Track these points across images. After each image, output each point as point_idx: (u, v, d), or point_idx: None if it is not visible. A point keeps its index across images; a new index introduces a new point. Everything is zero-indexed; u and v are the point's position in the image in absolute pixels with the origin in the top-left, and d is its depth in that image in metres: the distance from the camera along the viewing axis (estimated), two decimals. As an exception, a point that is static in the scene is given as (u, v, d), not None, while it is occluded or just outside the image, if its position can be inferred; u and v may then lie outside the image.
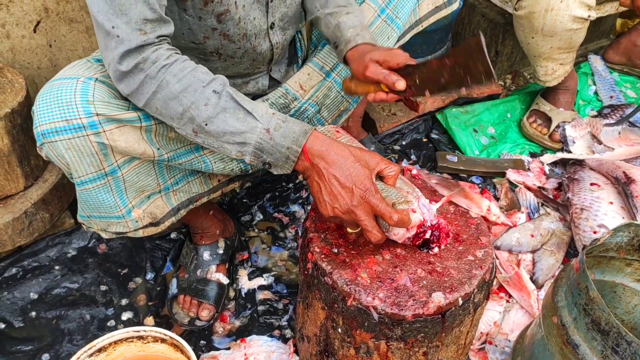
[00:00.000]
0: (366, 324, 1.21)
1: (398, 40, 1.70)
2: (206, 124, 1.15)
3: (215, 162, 1.44)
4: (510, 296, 1.75)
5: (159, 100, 1.15)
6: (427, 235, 1.24)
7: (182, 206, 1.50)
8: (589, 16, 1.96)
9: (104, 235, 1.42)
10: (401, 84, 1.27)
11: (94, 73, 1.23)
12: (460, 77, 1.22)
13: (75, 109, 1.15)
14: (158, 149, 1.30)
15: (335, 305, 1.24)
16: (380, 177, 1.23)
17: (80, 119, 1.16)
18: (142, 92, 1.15)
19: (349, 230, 1.24)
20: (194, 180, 1.50)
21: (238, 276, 1.83)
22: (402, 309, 1.18)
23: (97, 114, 1.17)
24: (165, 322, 1.72)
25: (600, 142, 2.29)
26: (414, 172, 1.53)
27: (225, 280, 1.74)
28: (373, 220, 1.16)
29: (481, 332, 1.64)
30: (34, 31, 1.84)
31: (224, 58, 1.44)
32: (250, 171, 1.56)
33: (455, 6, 1.79)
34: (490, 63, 1.17)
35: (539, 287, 1.77)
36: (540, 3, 1.94)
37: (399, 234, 1.21)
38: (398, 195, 1.19)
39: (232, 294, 1.78)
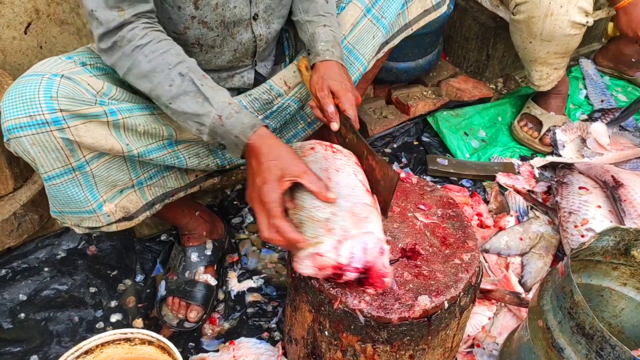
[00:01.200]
0: (352, 327, 1.22)
1: (387, 44, 1.71)
2: (170, 103, 1.24)
3: (189, 158, 1.45)
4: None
5: (133, 76, 1.26)
6: (348, 277, 1.17)
7: (157, 201, 1.50)
8: (587, 22, 1.97)
9: (78, 231, 1.42)
10: (334, 126, 1.40)
11: (61, 70, 1.24)
12: (370, 180, 1.31)
13: (38, 105, 1.17)
14: (127, 144, 1.31)
15: (322, 308, 1.25)
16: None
17: (43, 114, 1.17)
18: (119, 67, 1.26)
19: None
20: (169, 175, 1.50)
21: (228, 278, 1.83)
22: (388, 312, 1.19)
23: (61, 110, 1.18)
24: (155, 324, 1.72)
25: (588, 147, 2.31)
26: (402, 175, 1.53)
27: (213, 282, 1.74)
28: (264, 217, 1.19)
29: (469, 335, 1.65)
30: (25, 33, 1.84)
31: (205, 49, 1.46)
32: (228, 167, 1.56)
33: (443, 9, 1.79)
34: (390, 203, 1.27)
35: (528, 290, 1.77)
36: (540, 8, 1.95)
37: (305, 271, 1.17)
38: (315, 232, 1.15)
39: (221, 296, 1.78)
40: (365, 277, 1.18)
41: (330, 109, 1.39)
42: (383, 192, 1.28)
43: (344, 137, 1.38)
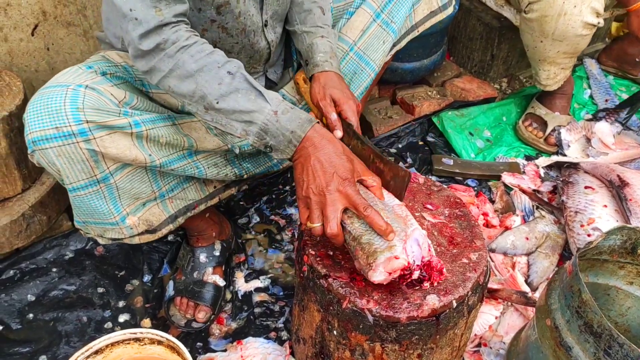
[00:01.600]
0: (361, 327, 1.22)
1: (394, 46, 1.71)
2: (218, 102, 1.20)
3: (208, 168, 1.45)
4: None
5: (174, 79, 1.21)
6: (415, 276, 1.18)
7: (180, 214, 1.51)
8: (598, 22, 1.98)
9: (101, 241, 1.43)
10: (338, 134, 1.37)
11: (84, 80, 1.24)
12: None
13: (64, 117, 1.17)
14: (150, 155, 1.31)
15: (331, 308, 1.25)
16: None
17: (70, 126, 1.17)
18: (158, 70, 1.21)
19: (309, 224, 1.21)
20: (190, 186, 1.51)
21: (235, 278, 1.83)
22: (396, 312, 1.19)
23: (87, 121, 1.18)
24: (162, 324, 1.72)
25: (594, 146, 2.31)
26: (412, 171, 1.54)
27: (221, 282, 1.75)
28: (339, 213, 1.17)
29: (475, 335, 1.65)
30: (32, 34, 1.85)
31: None
32: (245, 176, 1.57)
33: (450, 10, 1.80)
34: (403, 196, 1.30)
35: (534, 289, 1.78)
36: (554, 7, 1.96)
37: (379, 278, 1.15)
38: (382, 240, 1.15)
39: (228, 296, 1.79)
40: (423, 274, 1.20)
41: (333, 116, 1.39)
42: (394, 192, 1.30)
43: (348, 143, 1.38)
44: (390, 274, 1.14)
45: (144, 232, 1.43)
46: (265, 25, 1.47)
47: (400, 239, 1.15)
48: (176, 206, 1.49)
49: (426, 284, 1.22)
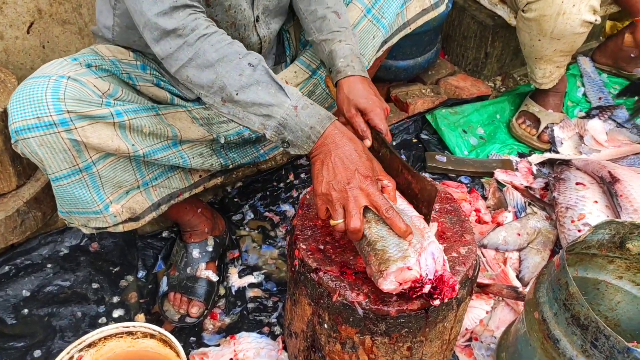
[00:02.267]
0: (351, 320, 1.24)
1: (385, 42, 1.72)
2: (237, 93, 1.18)
3: (193, 158, 1.46)
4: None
5: (193, 68, 1.19)
6: (425, 290, 1.14)
7: (163, 201, 1.51)
8: (595, 20, 1.99)
9: (85, 231, 1.44)
10: (367, 143, 1.35)
11: (67, 72, 1.25)
12: (406, 194, 1.34)
13: (45, 107, 1.18)
14: (133, 144, 1.31)
15: (321, 301, 1.26)
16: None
17: (51, 116, 1.18)
18: (177, 58, 1.20)
19: (331, 222, 1.20)
20: (174, 175, 1.52)
21: (228, 274, 1.85)
22: (386, 305, 1.20)
23: (68, 111, 1.19)
24: (156, 319, 1.73)
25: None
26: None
27: (214, 278, 1.76)
28: (361, 208, 1.16)
29: (467, 329, 1.67)
30: (28, 32, 1.86)
31: None
32: (231, 166, 1.57)
33: (442, 8, 1.81)
34: (430, 215, 1.29)
35: (525, 284, 1.79)
36: (553, 7, 1.97)
37: (389, 287, 1.12)
38: (397, 249, 1.13)
39: (222, 291, 1.80)
40: (435, 288, 1.15)
41: (361, 126, 1.36)
42: (421, 205, 1.30)
43: (377, 151, 1.37)
44: (400, 284, 1.11)
45: (127, 220, 1.44)
46: (257, 20, 1.48)
47: (415, 251, 1.13)
48: (160, 194, 1.49)
49: (436, 301, 1.15)
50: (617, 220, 1.39)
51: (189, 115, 1.46)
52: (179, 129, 1.41)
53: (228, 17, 1.41)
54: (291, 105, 1.18)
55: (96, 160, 1.29)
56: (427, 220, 1.28)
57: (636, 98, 2.51)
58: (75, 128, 1.21)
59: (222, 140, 1.34)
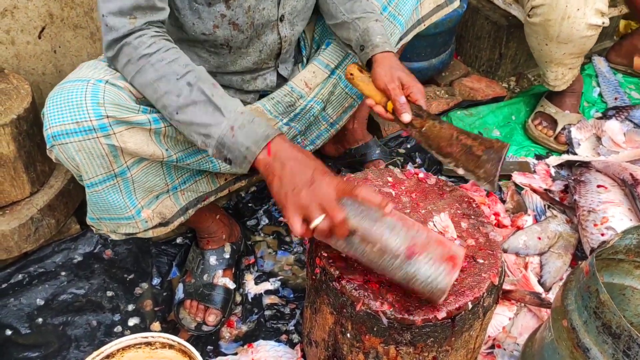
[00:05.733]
0: (375, 329, 1.21)
1: (400, 40, 1.70)
2: (177, 113, 1.19)
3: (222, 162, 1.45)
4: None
5: (138, 85, 1.23)
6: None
7: (190, 205, 1.51)
8: (603, 22, 1.96)
9: (114, 237, 1.42)
10: (406, 118, 1.35)
11: (103, 75, 1.23)
12: (465, 160, 1.32)
13: (85, 112, 1.16)
14: (167, 149, 1.31)
15: (344, 310, 1.24)
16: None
17: (91, 121, 1.17)
18: (126, 73, 1.24)
19: (312, 224, 1.10)
20: (201, 179, 1.51)
21: (244, 281, 1.82)
22: (411, 314, 1.18)
23: (108, 116, 1.18)
24: (172, 327, 1.71)
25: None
26: (421, 175, 1.52)
27: (231, 285, 1.74)
28: (335, 200, 1.09)
29: (489, 336, 1.64)
30: (39, 37, 1.84)
31: (234, 50, 1.45)
32: None
33: (456, 4, 1.79)
34: (498, 173, 1.27)
35: (547, 289, 1.76)
36: (557, 11, 1.93)
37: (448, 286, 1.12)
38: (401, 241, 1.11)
39: (238, 298, 1.78)
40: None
41: (402, 99, 1.35)
42: (486, 165, 1.28)
43: (421, 126, 1.34)
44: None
45: (158, 225, 1.43)
46: (281, 20, 1.46)
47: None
48: (187, 198, 1.49)
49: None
50: (645, 225, 1.36)
51: None
52: None
53: (247, 19, 1.40)
54: (228, 125, 1.16)
55: (130, 165, 1.28)
56: (494, 179, 1.28)
57: None
58: (114, 133, 1.20)
59: None
